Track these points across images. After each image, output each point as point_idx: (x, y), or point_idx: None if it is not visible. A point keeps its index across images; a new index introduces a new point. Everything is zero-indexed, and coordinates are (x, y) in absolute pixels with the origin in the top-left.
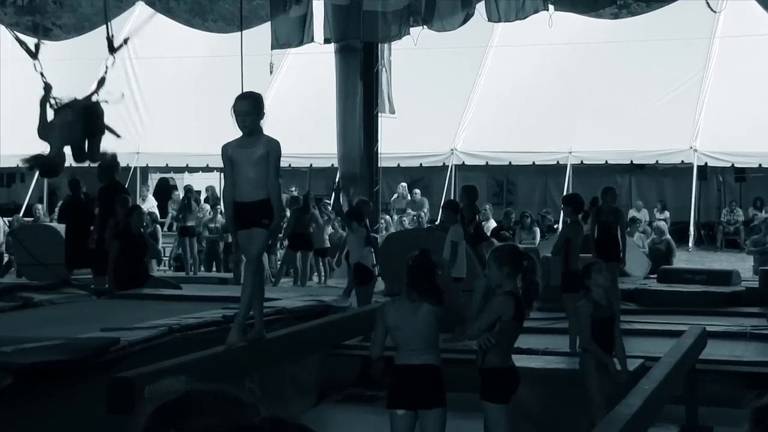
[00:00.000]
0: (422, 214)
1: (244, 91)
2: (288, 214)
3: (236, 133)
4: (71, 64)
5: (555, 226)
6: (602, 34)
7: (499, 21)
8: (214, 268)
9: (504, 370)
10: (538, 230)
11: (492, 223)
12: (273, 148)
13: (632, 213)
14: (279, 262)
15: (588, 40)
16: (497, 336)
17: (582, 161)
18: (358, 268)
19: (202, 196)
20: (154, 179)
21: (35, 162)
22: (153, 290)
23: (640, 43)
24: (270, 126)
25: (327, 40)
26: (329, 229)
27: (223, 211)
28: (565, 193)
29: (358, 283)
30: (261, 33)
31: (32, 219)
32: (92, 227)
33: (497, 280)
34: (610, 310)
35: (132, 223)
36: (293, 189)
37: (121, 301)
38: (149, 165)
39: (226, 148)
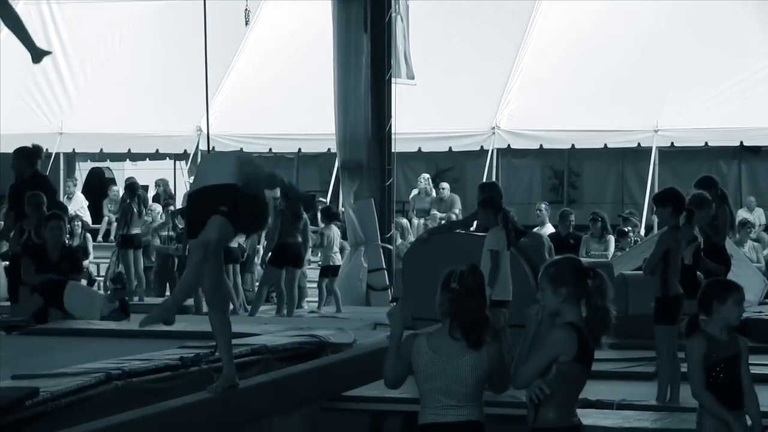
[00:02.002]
0: (453, 216)
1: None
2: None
3: (223, 115)
4: None
5: (628, 230)
6: None
7: None
8: (167, 292)
9: (564, 430)
10: (612, 238)
11: (549, 229)
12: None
13: (742, 214)
14: (257, 284)
15: None
16: (554, 384)
17: (672, 143)
18: None
19: (150, 194)
20: (83, 170)
21: None
22: (84, 323)
23: None
24: (245, 98)
25: None
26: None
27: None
28: (649, 186)
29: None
30: None
31: None
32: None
33: (553, 306)
34: (734, 345)
35: (46, 237)
36: None
37: (40, 339)
38: (76, 150)
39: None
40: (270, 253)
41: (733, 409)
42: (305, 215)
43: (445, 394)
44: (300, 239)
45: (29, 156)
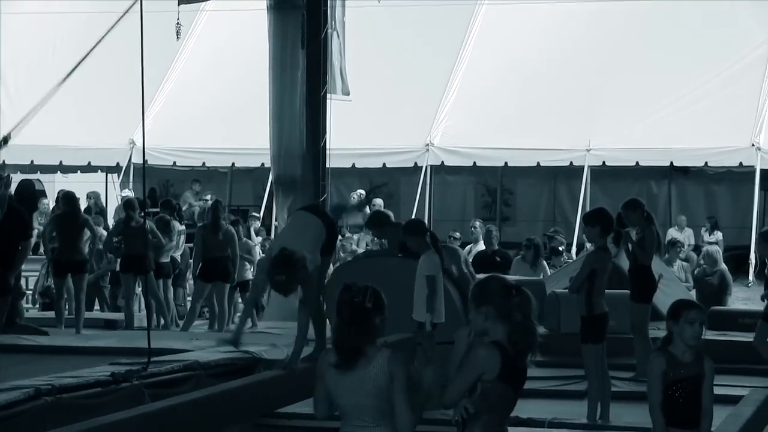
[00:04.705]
0: None
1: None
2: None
3: (156, 128)
4: None
5: (561, 249)
6: None
7: None
8: (96, 306)
9: None
10: (545, 265)
11: (481, 246)
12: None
13: (672, 233)
14: (189, 299)
15: None
16: (479, 403)
17: (604, 162)
18: None
19: (82, 206)
20: (13, 181)
21: None
22: (13, 338)
23: (687, 2)
24: (178, 111)
25: None
26: (260, 254)
27: (109, 228)
28: (581, 204)
29: None
30: None
31: None
32: None
33: (478, 325)
34: (697, 367)
35: None
36: (208, 197)
37: None
38: (6, 162)
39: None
40: (198, 269)
41: (687, 429)
42: (232, 229)
43: (358, 410)
44: (228, 253)
45: None
